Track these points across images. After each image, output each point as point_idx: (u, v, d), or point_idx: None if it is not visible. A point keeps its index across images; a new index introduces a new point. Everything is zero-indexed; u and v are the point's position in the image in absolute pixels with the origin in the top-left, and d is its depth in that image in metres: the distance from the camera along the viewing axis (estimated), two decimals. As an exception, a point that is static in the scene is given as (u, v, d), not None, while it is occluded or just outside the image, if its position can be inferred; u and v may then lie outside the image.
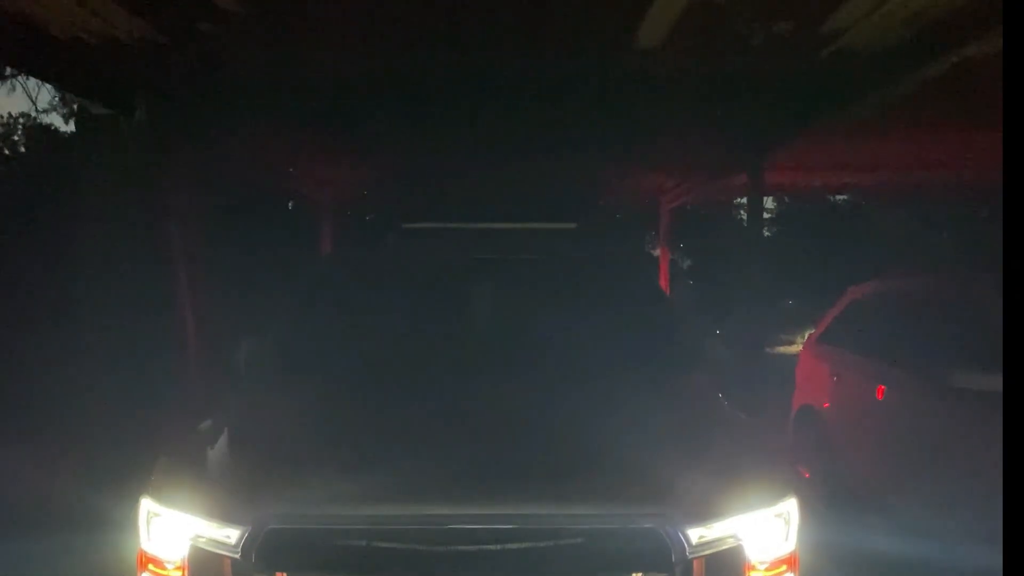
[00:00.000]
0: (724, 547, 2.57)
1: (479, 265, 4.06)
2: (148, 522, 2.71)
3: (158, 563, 2.69)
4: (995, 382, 3.95)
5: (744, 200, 20.34)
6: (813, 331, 7.21)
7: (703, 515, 2.54)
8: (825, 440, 6.09)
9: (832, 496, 5.71)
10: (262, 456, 2.84)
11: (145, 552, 2.72)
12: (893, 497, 4.99)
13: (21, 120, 15.65)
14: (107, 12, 3.96)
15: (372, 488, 2.58)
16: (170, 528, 2.66)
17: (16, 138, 16.36)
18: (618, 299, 3.93)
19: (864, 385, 5.69)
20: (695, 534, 2.52)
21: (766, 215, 23.64)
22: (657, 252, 9.34)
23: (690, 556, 2.49)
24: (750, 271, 9.28)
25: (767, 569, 2.66)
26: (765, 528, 2.66)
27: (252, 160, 6.84)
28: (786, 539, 2.71)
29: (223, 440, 3.06)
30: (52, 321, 6.58)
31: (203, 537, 2.58)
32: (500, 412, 3.03)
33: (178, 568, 2.64)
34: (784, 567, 2.71)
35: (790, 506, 2.73)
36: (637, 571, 2.52)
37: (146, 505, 2.72)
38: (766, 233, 24.68)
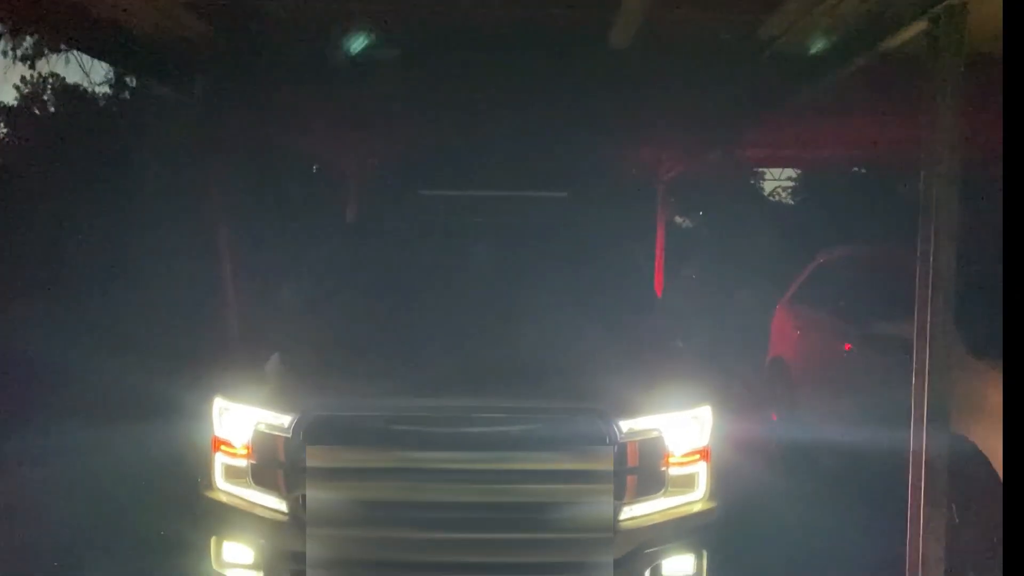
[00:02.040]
0: (648, 437, 3.44)
1: (479, 224, 4.95)
2: (220, 415, 3.64)
3: (228, 444, 3.61)
4: (899, 329, 4.83)
5: (762, 169, 20.88)
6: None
7: (631, 411, 3.41)
8: (788, 384, 7.00)
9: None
10: (306, 365, 3.81)
11: (218, 437, 3.65)
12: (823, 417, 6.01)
13: (50, 81, 15.34)
14: (174, 12, 4.83)
15: (390, 386, 3.50)
16: (237, 418, 3.57)
17: (46, 98, 15.77)
18: (592, 253, 4.79)
19: (818, 336, 6.59)
20: (625, 425, 3.39)
21: (790, 183, 23.83)
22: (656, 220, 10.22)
23: (622, 440, 3.37)
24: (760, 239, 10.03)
25: (683, 455, 3.54)
26: (683, 426, 3.54)
27: (288, 132, 7.79)
28: (700, 436, 3.59)
29: (276, 355, 3.99)
30: (119, 267, 7.55)
31: (263, 423, 3.49)
32: (487, 335, 3.94)
33: (244, 447, 3.56)
34: (697, 456, 3.58)
35: (705, 412, 3.60)
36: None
37: (218, 403, 3.64)
38: (790, 202, 24.73)
